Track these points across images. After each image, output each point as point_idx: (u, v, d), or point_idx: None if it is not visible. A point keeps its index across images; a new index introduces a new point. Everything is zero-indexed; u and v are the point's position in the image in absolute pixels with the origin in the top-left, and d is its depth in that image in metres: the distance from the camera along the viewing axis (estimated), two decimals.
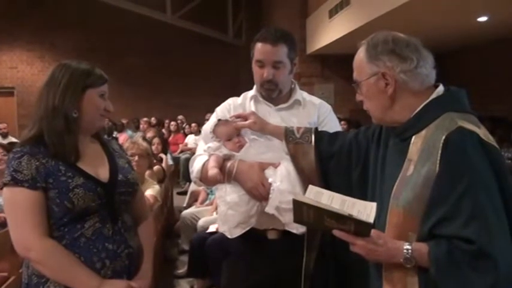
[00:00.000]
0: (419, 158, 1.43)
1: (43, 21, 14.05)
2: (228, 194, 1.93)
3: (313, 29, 10.13)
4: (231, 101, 2.21)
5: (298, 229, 1.87)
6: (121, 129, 11.55)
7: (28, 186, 1.62)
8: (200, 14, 13.49)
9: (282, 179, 1.85)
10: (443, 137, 1.37)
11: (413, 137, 1.48)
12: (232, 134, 2.02)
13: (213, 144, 2.02)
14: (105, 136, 1.96)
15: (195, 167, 2.06)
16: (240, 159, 1.95)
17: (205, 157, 2.02)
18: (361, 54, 1.56)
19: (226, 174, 1.92)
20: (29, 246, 1.62)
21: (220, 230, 2.02)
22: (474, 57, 9.22)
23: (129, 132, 11.42)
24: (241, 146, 2.00)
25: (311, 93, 2.31)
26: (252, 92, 2.19)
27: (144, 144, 4.36)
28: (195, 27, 13.73)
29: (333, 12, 8.65)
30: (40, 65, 14.47)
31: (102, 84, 1.79)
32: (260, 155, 1.95)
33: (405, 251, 1.39)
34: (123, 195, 1.81)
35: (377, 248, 1.42)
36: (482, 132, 1.41)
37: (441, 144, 1.37)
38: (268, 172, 1.89)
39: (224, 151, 1.98)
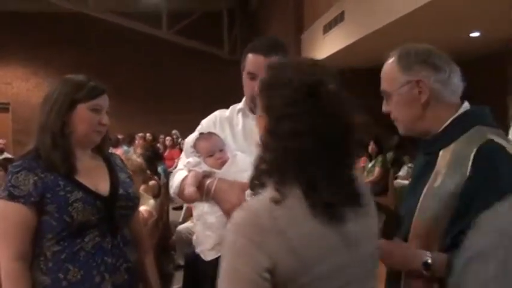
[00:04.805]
0: (448, 170, 1.44)
1: (38, 37, 14.07)
2: (206, 214, 1.82)
3: (308, 44, 10.21)
4: (218, 113, 2.10)
5: None
6: (116, 144, 11.53)
7: (24, 202, 1.62)
8: (196, 29, 13.58)
9: None
10: (475, 149, 1.39)
11: (441, 150, 1.49)
12: (214, 149, 1.87)
13: (193, 159, 1.87)
14: None
15: (174, 182, 1.91)
16: (220, 177, 1.79)
17: (185, 172, 1.87)
18: (391, 64, 1.54)
19: (204, 192, 1.77)
20: None
21: (197, 251, 1.90)
22: (466, 71, 9.29)
23: (125, 147, 11.41)
24: (223, 163, 1.84)
25: None
26: (240, 105, 2.07)
27: (138, 160, 4.37)
28: (191, 42, 13.82)
29: (327, 28, 8.73)
30: (35, 81, 14.48)
31: (96, 97, 1.74)
32: (241, 173, 1.73)
33: (425, 257, 1.40)
34: (123, 209, 1.80)
35: (395, 249, 1.44)
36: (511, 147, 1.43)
37: (472, 156, 1.38)
38: (249, 193, 1.72)
39: (204, 167, 1.83)
